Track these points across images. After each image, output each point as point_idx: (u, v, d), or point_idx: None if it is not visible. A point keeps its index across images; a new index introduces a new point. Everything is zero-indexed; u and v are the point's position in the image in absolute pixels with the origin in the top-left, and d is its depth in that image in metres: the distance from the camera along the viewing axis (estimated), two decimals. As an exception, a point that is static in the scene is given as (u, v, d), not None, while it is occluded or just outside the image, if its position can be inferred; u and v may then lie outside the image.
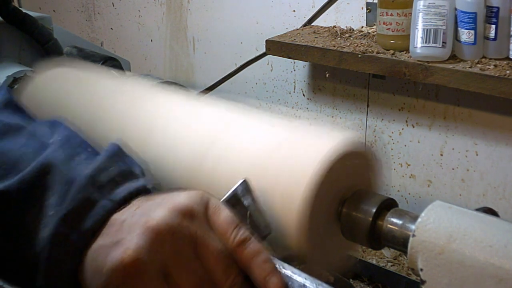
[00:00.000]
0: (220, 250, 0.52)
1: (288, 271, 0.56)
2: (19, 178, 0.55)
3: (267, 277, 0.53)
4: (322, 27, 1.93)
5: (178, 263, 0.50)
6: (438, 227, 0.54)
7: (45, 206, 0.54)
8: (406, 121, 1.86)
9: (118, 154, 0.58)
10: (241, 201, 0.57)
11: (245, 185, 0.57)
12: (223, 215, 0.54)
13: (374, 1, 1.76)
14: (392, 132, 1.90)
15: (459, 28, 1.53)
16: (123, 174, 0.56)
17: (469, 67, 1.50)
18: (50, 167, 0.56)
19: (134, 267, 0.49)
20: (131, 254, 0.49)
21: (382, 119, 1.91)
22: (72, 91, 0.87)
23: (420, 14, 1.53)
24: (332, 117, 2.02)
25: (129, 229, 0.51)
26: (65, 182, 0.55)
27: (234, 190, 0.57)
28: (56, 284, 0.52)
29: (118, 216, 0.53)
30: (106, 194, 0.54)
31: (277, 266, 0.54)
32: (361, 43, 1.71)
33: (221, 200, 0.56)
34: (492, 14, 1.48)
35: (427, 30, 1.53)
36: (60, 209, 0.53)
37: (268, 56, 2.00)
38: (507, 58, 1.52)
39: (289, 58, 1.83)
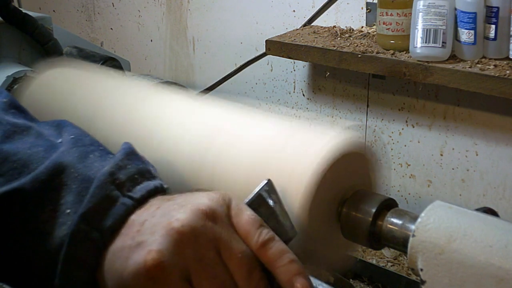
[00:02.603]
0: (244, 252, 0.50)
1: None
2: (33, 177, 0.54)
3: (293, 277, 0.51)
4: (322, 27, 1.93)
5: (201, 266, 0.49)
6: (438, 227, 0.54)
7: (61, 205, 0.53)
8: (406, 121, 1.87)
9: (134, 153, 0.57)
10: (267, 202, 0.54)
11: (269, 185, 0.55)
12: (246, 216, 0.53)
13: (374, 1, 1.76)
14: (392, 132, 1.90)
15: (459, 28, 1.53)
16: (141, 173, 0.55)
17: (469, 67, 1.50)
18: (64, 166, 0.55)
19: (157, 270, 0.47)
20: (154, 256, 0.48)
21: (382, 119, 1.91)
22: (72, 91, 0.87)
23: (420, 14, 1.53)
24: (332, 117, 2.02)
25: (151, 230, 0.50)
26: (82, 180, 0.54)
27: (259, 191, 0.55)
28: (74, 283, 0.51)
29: (137, 217, 0.52)
30: (126, 191, 0.53)
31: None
32: (361, 43, 1.71)
33: (246, 201, 0.54)
34: (492, 14, 1.49)
35: (427, 30, 1.53)
36: (79, 207, 0.52)
37: (268, 56, 2.00)
38: (507, 58, 1.52)
39: (289, 58, 1.83)
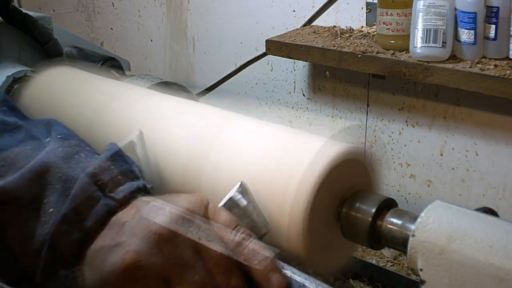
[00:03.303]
0: (221, 252, 0.52)
1: (288, 271, 0.56)
2: (18, 176, 0.55)
3: (268, 274, 0.53)
4: (322, 27, 1.93)
5: (179, 267, 0.50)
6: (438, 227, 0.54)
7: (44, 203, 0.54)
8: (406, 121, 1.86)
9: (119, 153, 0.58)
10: (238, 203, 0.58)
11: (242, 187, 0.59)
12: (222, 217, 0.55)
13: (374, 1, 1.76)
14: (392, 132, 1.90)
15: (459, 28, 1.53)
16: (124, 173, 0.56)
17: (469, 67, 1.50)
18: (50, 166, 0.56)
19: (134, 269, 0.49)
20: (132, 256, 0.49)
21: (382, 119, 1.91)
22: (71, 91, 0.87)
23: (420, 14, 1.53)
24: (332, 117, 2.02)
25: (131, 232, 0.51)
26: (65, 180, 0.55)
27: (231, 193, 0.59)
28: (54, 281, 0.52)
29: (118, 218, 0.53)
30: (108, 192, 0.54)
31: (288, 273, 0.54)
32: (361, 43, 1.71)
33: (221, 203, 0.58)
34: (492, 14, 1.48)
35: (427, 30, 1.53)
36: (62, 207, 0.53)
37: (268, 56, 2.00)
38: (507, 58, 1.52)
39: (289, 58, 1.83)
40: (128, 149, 0.62)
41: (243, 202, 0.59)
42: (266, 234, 0.59)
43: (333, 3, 1.92)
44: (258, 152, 0.65)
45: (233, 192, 0.59)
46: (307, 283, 0.54)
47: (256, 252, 0.53)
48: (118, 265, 0.49)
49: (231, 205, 0.58)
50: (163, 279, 0.50)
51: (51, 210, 0.54)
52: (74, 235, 0.52)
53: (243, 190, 0.59)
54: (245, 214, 0.58)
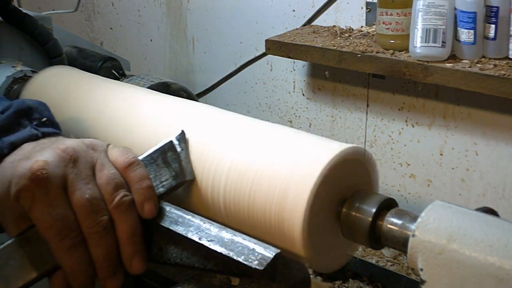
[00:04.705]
0: (112, 173, 0.61)
1: (167, 206, 0.62)
2: None
3: (145, 201, 0.61)
4: (322, 26, 1.93)
5: (77, 180, 0.59)
6: (438, 227, 0.54)
7: None
8: (406, 121, 1.87)
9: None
10: (175, 148, 0.66)
11: (181, 135, 0.68)
12: (118, 150, 0.64)
13: (374, 1, 1.76)
14: (392, 132, 1.90)
15: (458, 28, 1.53)
16: (51, 121, 0.68)
17: (469, 67, 1.50)
18: None
19: (40, 175, 0.57)
20: (40, 164, 0.58)
21: (382, 119, 1.91)
22: (71, 91, 0.87)
23: (420, 13, 1.53)
24: (332, 116, 2.02)
25: (40, 151, 0.60)
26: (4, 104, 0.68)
27: (171, 137, 0.67)
28: None
29: (29, 145, 0.63)
30: (34, 125, 0.66)
31: (167, 208, 0.62)
32: (361, 43, 1.71)
33: (160, 143, 0.66)
34: (491, 14, 1.49)
35: (426, 29, 1.53)
36: None
37: (268, 56, 2.00)
38: (507, 57, 1.52)
39: (289, 57, 1.83)
40: (168, 148, 0.66)
41: (179, 148, 0.67)
42: (191, 181, 0.66)
43: (333, 3, 1.92)
44: (258, 152, 0.65)
45: (173, 137, 0.67)
46: (194, 221, 0.60)
47: (141, 179, 0.61)
48: (27, 170, 0.58)
49: (167, 148, 0.66)
50: (63, 187, 0.58)
51: None
52: None
53: (181, 138, 0.67)
54: (177, 159, 0.66)
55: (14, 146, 0.63)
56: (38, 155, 0.60)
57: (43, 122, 0.67)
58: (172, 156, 0.66)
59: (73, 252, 0.58)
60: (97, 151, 0.62)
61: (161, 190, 0.64)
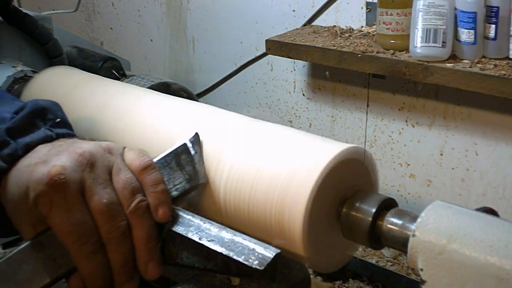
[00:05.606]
0: (129, 177, 0.60)
1: (180, 212, 0.61)
2: None
3: (159, 205, 0.60)
4: (322, 26, 1.93)
5: (94, 184, 0.58)
6: (438, 227, 0.54)
7: None
8: (406, 121, 1.87)
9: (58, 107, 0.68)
10: (189, 150, 0.66)
11: (195, 137, 0.67)
12: (134, 152, 0.63)
13: (374, 1, 1.76)
14: (392, 132, 1.90)
15: (459, 28, 1.53)
16: (64, 122, 0.67)
17: (469, 67, 1.50)
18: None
19: (58, 180, 0.56)
20: (58, 169, 0.57)
21: (382, 119, 1.91)
22: (71, 91, 0.87)
23: (420, 13, 1.53)
24: (332, 116, 2.02)
25: (57, 155, 0.59)
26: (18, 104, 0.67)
27: (185, 140, 0.66)
28: None
29: (44, 147, 0.62)
30: (49, 126, 0.65)
31: (180, 213, 0.61)
32: (361, 43, 1.71)
33: (174, 146, 0.65)
34: (492, 14, 1.48)
35: (427, 29, 1.53)
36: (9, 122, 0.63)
37: (268, 56, 2.00)
38: (507, 58, 1.52)
39: (289, 58, 1.83)
40: (182, 151, 0.65)
41: (192, 151, 0.66)
42: (204, 184, 0.66)
43: (333, 3, 1.92)
44: (259, 152, 0.65)
45: (186, 140, 0.66)
46: (194, 221, 0.60)
47: (156, 182, 0.61)
48: (44, 174, 0.57)
49: (181, 150, 0.65)
50: (80, 192, 0.57)
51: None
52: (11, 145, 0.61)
53: (195, 140, 0.67)
54: (191, 161, 0.65)
55: (29, 148, 0.62)
56: (55, 159, 0.59)
57: (57, 122, 0.66)
58: (186, 159, 0.65)
59: (92, 258, 0.57)
60: (114, 155, 0.62)
61: (175, 193, 0.63)
